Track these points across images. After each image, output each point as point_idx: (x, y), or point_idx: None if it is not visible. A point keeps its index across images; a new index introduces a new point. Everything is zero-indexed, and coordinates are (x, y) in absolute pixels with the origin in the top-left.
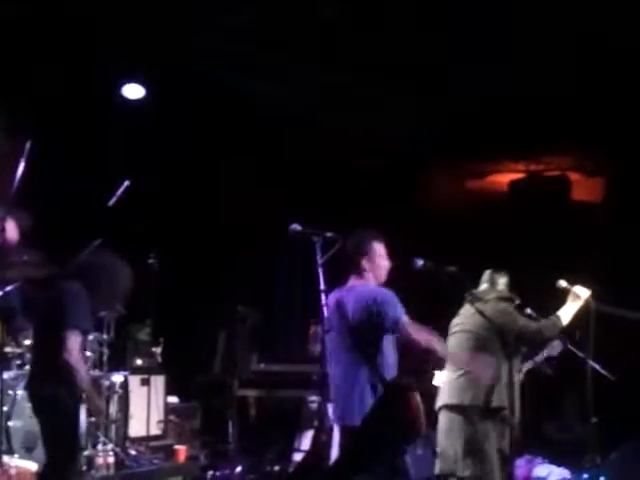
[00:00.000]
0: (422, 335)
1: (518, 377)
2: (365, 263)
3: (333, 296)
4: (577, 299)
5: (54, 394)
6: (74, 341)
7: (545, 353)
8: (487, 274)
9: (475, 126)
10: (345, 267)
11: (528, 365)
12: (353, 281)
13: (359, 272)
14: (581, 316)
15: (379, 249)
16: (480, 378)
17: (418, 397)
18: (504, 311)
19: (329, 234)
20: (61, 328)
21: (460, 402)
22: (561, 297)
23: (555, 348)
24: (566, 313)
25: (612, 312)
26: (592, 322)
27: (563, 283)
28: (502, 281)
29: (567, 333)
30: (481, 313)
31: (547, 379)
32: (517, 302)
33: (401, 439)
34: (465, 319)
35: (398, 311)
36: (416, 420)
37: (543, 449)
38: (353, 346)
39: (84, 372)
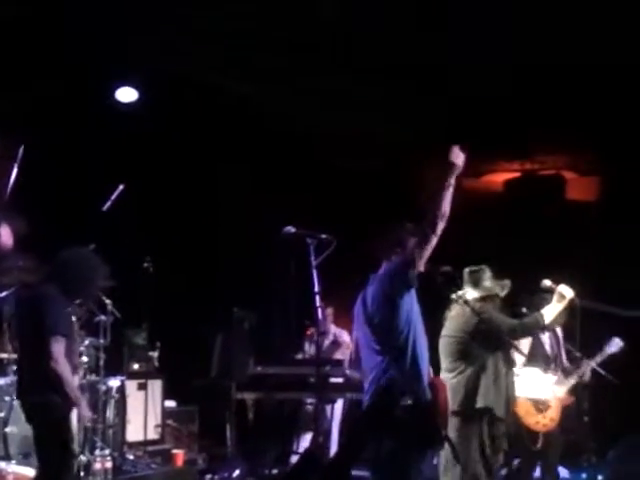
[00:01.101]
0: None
1: (511, 374)
2: (396, 255)
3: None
4: (562, 299)
5: (44, 402)
6: (57, 348)
7: (607, 351)
8: (466, 274)
9: (470, 126)
10: (378, 254)
11: (591, 365)
12: (381, 269)
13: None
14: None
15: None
16: None
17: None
18: (480, 311)
19: (323, 236)
20: (43, 334)
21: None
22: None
23: (614, 345)
24: (550, 312)
25: (603, 309)
26: (578, 321)
27: (547, 282)
28: (485, 276)
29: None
30: (471, 309)
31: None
32: (502, 294)
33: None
34: (449, 323)
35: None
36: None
37: None
38: (376, 340)
39: (70, 378)
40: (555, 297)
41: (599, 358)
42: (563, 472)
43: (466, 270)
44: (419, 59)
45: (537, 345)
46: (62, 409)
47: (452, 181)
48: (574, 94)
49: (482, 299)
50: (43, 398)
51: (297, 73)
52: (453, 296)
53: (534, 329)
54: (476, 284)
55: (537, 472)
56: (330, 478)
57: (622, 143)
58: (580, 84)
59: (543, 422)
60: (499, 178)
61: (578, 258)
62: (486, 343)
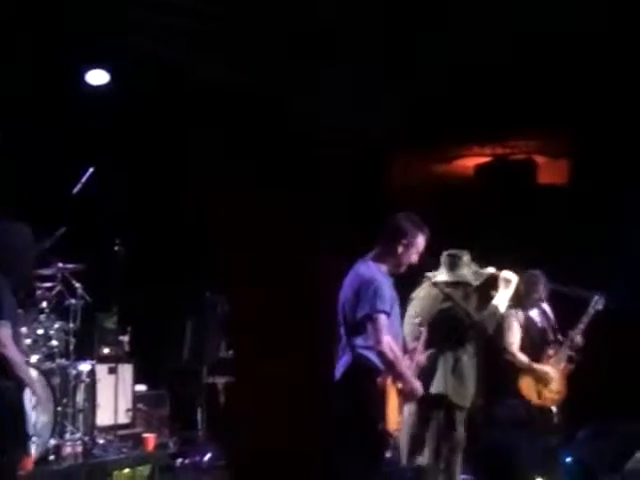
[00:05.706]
0: (393, 353)
1: (472, 363)
2: (400, 248)
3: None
4: (508, 284)
5: None
6: (5, 332)
7: (591, 310)
8: (444, 257)
9: (441, 111)
10: (375, 239)
11: (580, 328)
12: (367, 258)
13: (384, 251)
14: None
15: (420, 243)
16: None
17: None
18: (448, 296)
19: None
20: None
21: None
22: (492, 284)
23: (598, 303)
24: (501, 300)
25: (570, 292)
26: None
27: (491, 270)
28: (462, 262)
29: None
30: (439, 291)
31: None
32: (475, 284)
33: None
34: (416, 302)
35: (374, 304)
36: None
37: None
38: (343, 326)
39: (21, 361)
40: (501, 283)
41: (585, 319)
42: None
43: (444, 253)
44: (388, 47)
45: (530, 323)
46: (14, 393)
47: None
48: (543, 78)
49: (452, 284)
50: None
51: (269, 56)
52: (426, 275)
53: (494, 323)
54: (451, 268)
55: None
56: None
57: (590, 126)
58: (550, 68)
59: (550, 396)
60: (470, 163)
61: (548, 242)
62: (447, 330)
